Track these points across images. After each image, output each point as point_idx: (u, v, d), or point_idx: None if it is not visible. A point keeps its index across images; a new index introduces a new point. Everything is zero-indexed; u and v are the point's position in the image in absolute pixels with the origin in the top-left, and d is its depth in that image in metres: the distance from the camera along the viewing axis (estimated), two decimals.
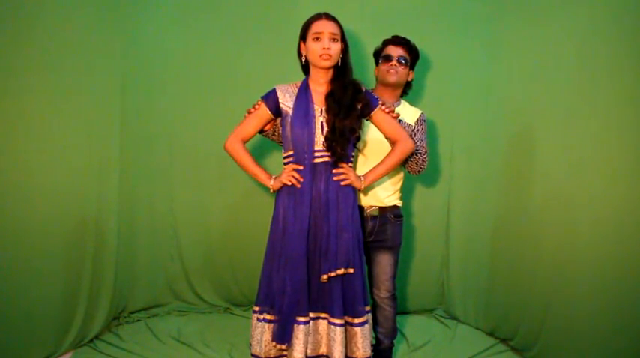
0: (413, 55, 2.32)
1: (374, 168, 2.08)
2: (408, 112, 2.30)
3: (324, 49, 1.92)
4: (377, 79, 2.37)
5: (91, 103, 2.59)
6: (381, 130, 2.11)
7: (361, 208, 2.25)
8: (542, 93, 2.55)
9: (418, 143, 2.23)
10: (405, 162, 2.22)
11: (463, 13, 3.02)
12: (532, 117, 2.63)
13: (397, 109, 2.28)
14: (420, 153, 2.21)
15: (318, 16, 1.98)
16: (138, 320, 2.97)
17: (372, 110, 2.04)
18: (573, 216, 2.30)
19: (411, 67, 2.34)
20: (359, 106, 2.00)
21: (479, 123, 3.00)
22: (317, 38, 1.94)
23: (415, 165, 2.23)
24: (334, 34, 1.94)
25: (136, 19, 2.86)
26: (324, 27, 1.94)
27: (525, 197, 2.66)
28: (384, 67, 2.29)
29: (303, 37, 2.00)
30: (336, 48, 1.95)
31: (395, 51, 2.28)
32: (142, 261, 3.06)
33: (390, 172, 2.18)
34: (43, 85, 2.35)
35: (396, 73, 2.26)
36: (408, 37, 2.32)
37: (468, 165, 3.08)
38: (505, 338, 2.82)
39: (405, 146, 2.08)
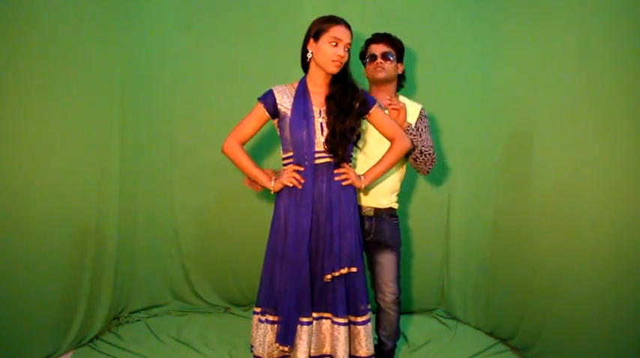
0: (397, 48, 2.31)
1: (373, 167, 2.09)
2: (408, 110, 2.29)
3: (338, 56, 1.94)
4: (368, 81, 2.37)
5: (91, 103, 2.58)
6: (378, 129, 2.11)
7: (359, 208, 2.26)
8: (542, 92, 2.55)
9: (425, 143, 2.23)
10: (413, 162, 2.23)
11: (463, 12, 3.01)
12: (532, 116, 2.62)
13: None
14: (429, 153, 2.22)
15: (336, 21, 1.96)
16: (138, 320, 2.97)
17: (369, 109, 2.05)
18: (573, 216, 2.30)
19: (399, 60, 2.34)
20: (356, 105, 2.01)
21: (479, 123, 3.00)
22: (334, 44, 1.93)
23: (424, 166, 2.24)
24: (349, 44, 1.97)
25: (136, 19, 2.86)
26: (344, 36, 1.94)
27: (525, 197, 2.66)
28: (370, 67, 2.29)
29: (315, 36, 1.97)
30: (346, 57, 1.97)
31: (378, 48, 2.28)
32: (142, 261, 3.06)
33: (389, 170, 2.17)
34: (43, 84, 2.35)
35: (383, 69, 2.26)
36: (393, 32, 2.32)
37: (468, 165, 3.07)
38: (505, 338, 2.82)
39: (402, 144, 2.09)
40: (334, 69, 1.96)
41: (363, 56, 2.37)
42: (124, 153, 2.82)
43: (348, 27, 1.98)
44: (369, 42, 2.34)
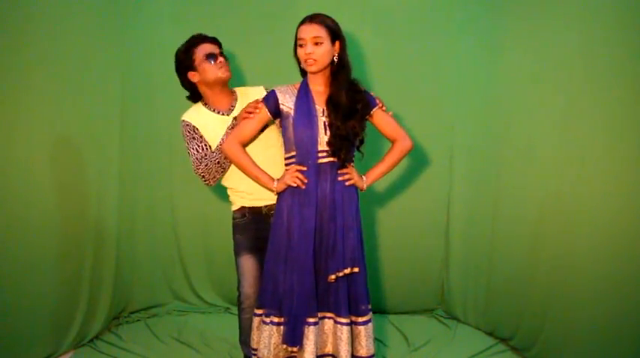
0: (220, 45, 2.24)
1: (374, 167, 2.09)
2: (252, 96, 2.17)
3: (306, 55, 1.91)
4: (200, 88, 2.24)
5: (91, 103, 2.58)
6: (380, 129, 2.10)
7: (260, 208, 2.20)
8: (542, 91, 2.55)
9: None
10: None
11: (463, 11, 3.01)
12: (532, 115, 2.62)
13: (240, 100, 2.23)
14: None
15: (302, 21, 1.95)
16: (138, 320, 2.97)
17: (371, 110, 2.04)
18: (573, 216, 2.31)
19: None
20: (358, 107, 2.00)
21: (479, 122, 2.99)
22: (300, 45, 1.93)
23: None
24: (317, 37, 1.90)
25: (135, 19, 2.86)
26: (306, 32, 1.91)
27: (525, 197, 2.66)
28: (208, 66, 2.16)
29: (295, 43, 1.98)
30: (320, 51, 1.91)
31: (212, 48, 2.19)
32: (142, 261, 3.05)
33: (390, 171, 2.17)
34: (42, 84, 2.35)
35: (227, 69, 2.19)
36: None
37: (468, 165, 3.07)
38: (505, 338, 2.82)
39: (404, 144, 2.09)
40: (310, 68, 1.94)
41: (186, 59, 2.21)
42: (123, 154, 2.82)
43: (314, 21, 1.92)
44: (197, 42, 2.22)
